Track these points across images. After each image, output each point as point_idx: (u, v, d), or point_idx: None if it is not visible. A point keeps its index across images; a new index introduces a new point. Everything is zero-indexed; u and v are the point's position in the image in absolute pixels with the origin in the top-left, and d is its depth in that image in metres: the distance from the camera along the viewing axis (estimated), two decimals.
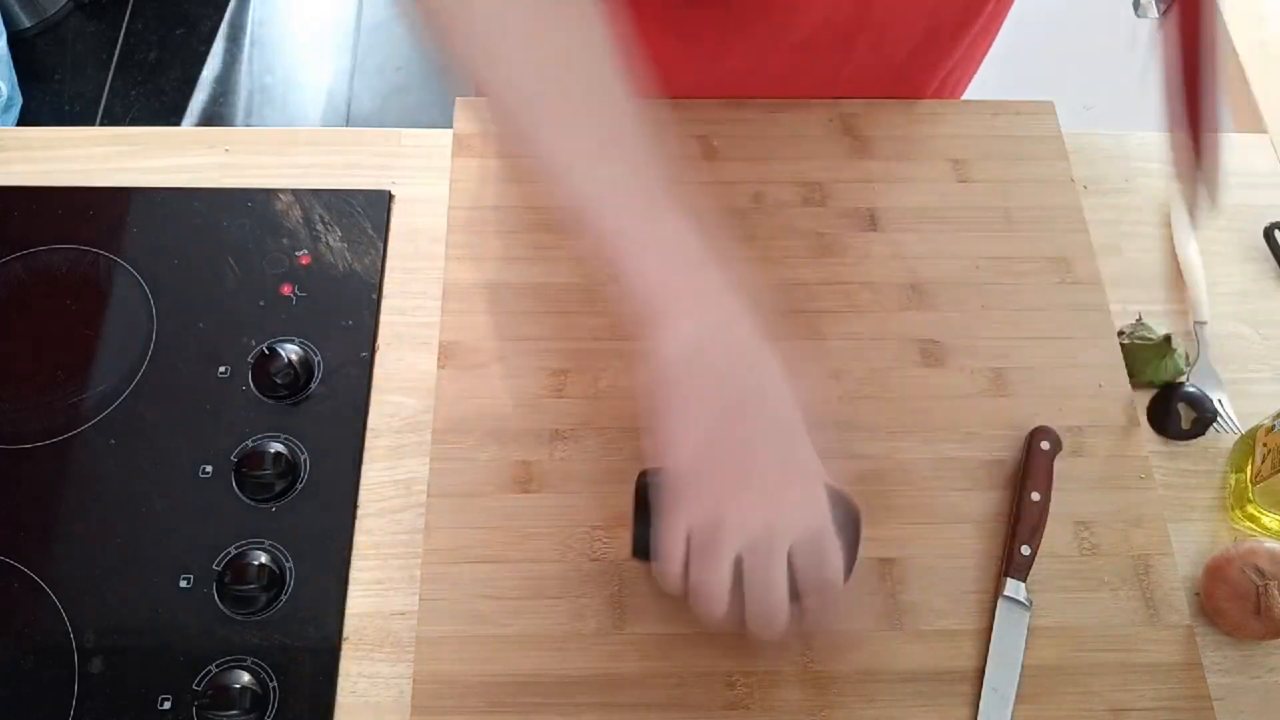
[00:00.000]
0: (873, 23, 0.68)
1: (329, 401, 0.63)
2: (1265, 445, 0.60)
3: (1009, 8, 0.75)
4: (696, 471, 0.45)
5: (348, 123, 1.90)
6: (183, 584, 0.58)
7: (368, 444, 0.62)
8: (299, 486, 0.60)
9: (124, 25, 1.98)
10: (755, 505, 0.44)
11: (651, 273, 0.46)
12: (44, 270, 0.67)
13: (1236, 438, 0.64)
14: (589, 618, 0.57)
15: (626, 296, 0.46)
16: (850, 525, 0.49)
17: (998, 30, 0.78)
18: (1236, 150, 0.76)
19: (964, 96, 0.84)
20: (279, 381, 0.62)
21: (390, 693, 0.56)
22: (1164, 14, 0.57)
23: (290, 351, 0.63)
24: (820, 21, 0.67)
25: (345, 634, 0.57)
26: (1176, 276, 0.70)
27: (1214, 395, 0.65)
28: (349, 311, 0.66)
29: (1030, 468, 0.60)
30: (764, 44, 0.69)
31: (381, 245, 0.68)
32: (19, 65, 1.84)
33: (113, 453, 0.61)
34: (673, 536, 0.46)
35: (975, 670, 0.56)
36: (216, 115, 1.90)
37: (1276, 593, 0.55)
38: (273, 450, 0.60)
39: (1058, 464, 0.61)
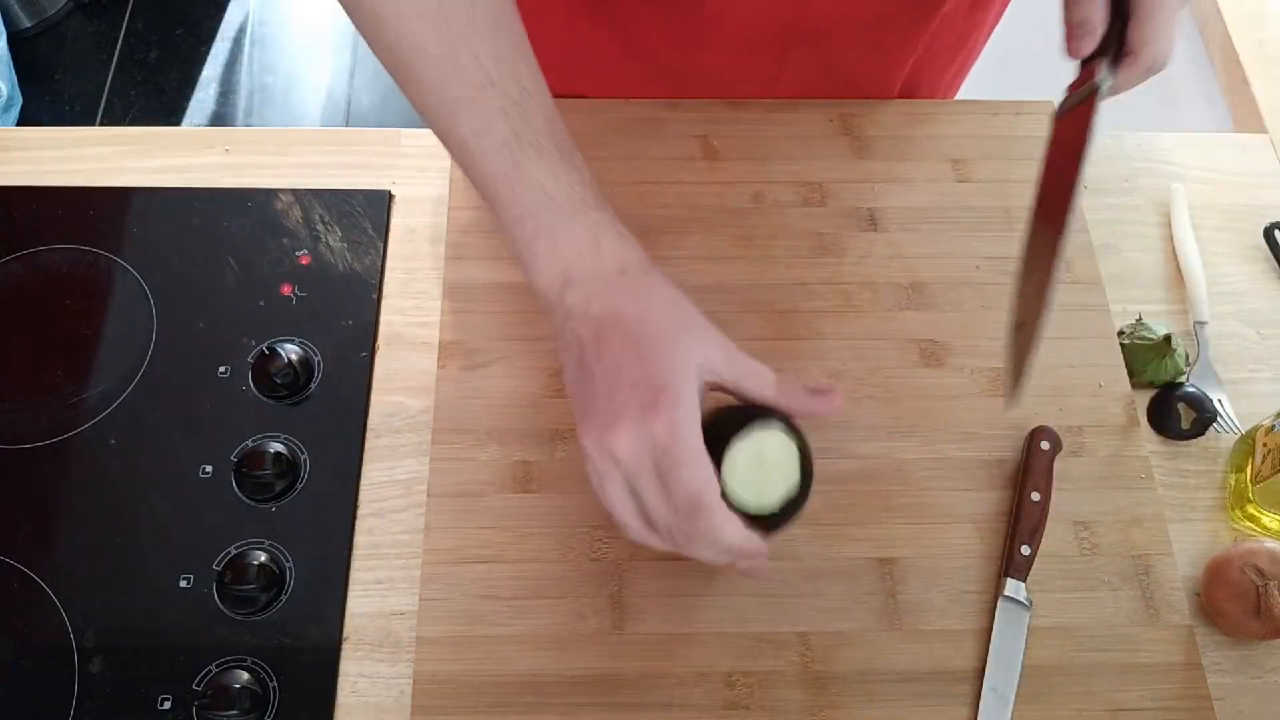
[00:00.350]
0: (809, 24, 0.68)
1: (329, 401, 0.63)
2: (1265, 445, 0.60)
3: (991, 16, 0.74)
4: (576, 410, 0.47)
5: (348, 122, 1.90)
6: (183, 584, 0.58)
7: (368, 444, 0.62)
8: (299, 486, 0.60)
9: (124, 25, 1.99)
10: (604, 432, 0.44)
11: (523, 217, 0.47)
12: (44, 270, 0.67)
13: (1236, 438, 0.64)
14: (589, 618, 0.57)
15: (506, 237, 0.48)
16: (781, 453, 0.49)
17: (979, 37, 0.77)
18: (1236, 150, 0.76)
19: (963, 96, 0.84)
20: (279, 381, 0.62)
21: (390, 693, 0.56)
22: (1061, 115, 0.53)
23: (290, 351, 0.63)
24: (753, 18, 0.67)
25: (345, 634, 0.57)
26: (1176, 276, 0.70)
27: (1214, 395, 0.65)
28: (349, 311, 0.66)
29: (1030, 468, 0.60)
30: (700, 41, 0.69)
31: (381, 245, 0.68)
32: (19, 65, 1.84)
33: (113, 453, 0.61)
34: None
35: (975, 670, 0.56)
36: (216, 115, 1.90)
37: (1276, 593, 0.55)
38: (273, 450, 0.60)
39: (1058, 464, 0.61)
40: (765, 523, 0.49)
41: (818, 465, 0.50)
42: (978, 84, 0.84)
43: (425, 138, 0.73)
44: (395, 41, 0.47)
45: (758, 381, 0.48)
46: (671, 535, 0.45)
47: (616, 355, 0.45)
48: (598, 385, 0.45)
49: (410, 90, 0.49)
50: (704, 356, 0.46)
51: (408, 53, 0.47)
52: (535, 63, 0.50)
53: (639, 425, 0.44)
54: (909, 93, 0.77)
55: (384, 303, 0.67)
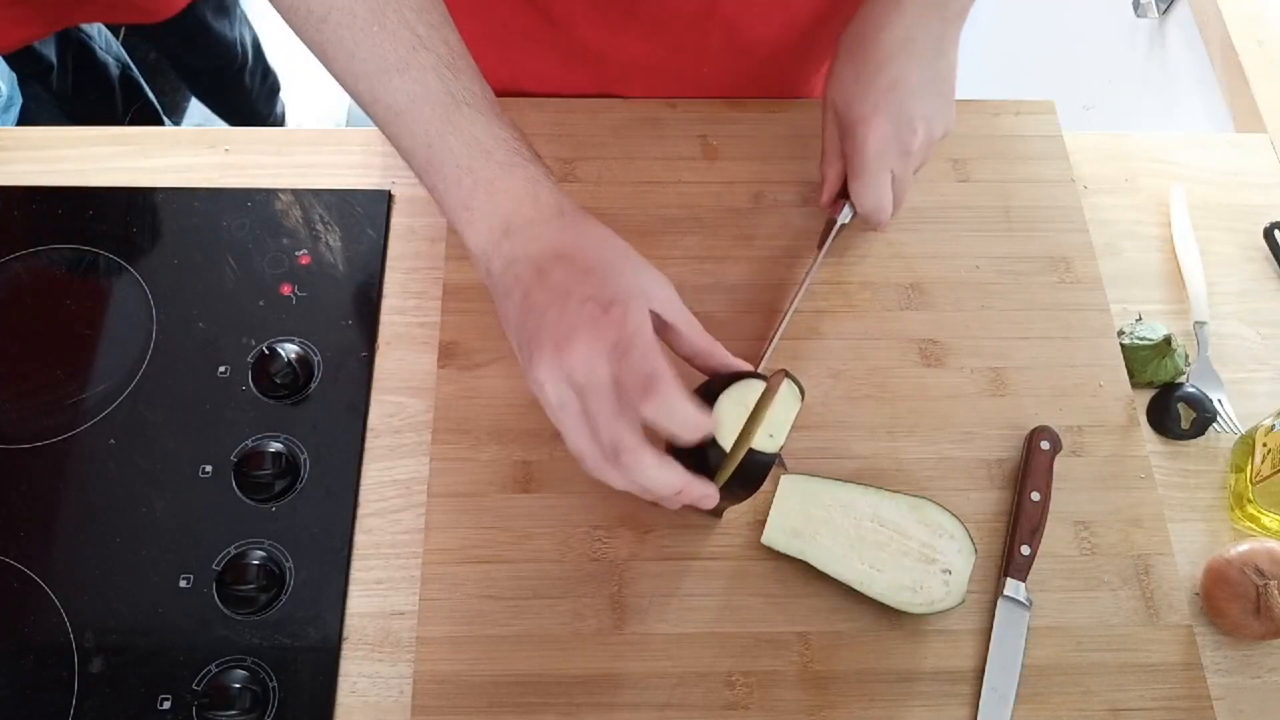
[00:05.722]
0: (723, 14, 0.68)
1: (329, 401, 0.63)
2: (1265, 445, 0.60)
3: None
4: (522, 351, 0.46)
5: (348, 123, 1.90)
6: (183, 584, 0.58)
7: (368, 444, 0.62)
8: (299, 486, 0.60)
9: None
10: (557, 350, 0.44)
11: (460, 175, 0.47)
12: (44, 270, 0.67)
13: (1236, 438, 0.64)
14: (589, 618, 0.57)
15: (440, 201, 0.48)
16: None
17: None
18: (1236, 150, 0.76)
19: (963, 96, 0.83)
20: (279, 381, 0.62)
21: (390, 693, 0.56)
22: None
23: (290, 351, 0.63)
24: (670, 7, 0.67)
25: (345, 634, 0.57)
26: (1176, 276, 0.70)
27: (1214, 395, 0.65)
28: (349, 311, 0.66)
29: (1030, 468, 0.60)
30: (620, 28, 0.69)
31: (381, 245, 0.68)
32: None
33: (113, 453, 0.61)
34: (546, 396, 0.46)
35: (975, 670, 0.56)
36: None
37: (1276, 593, 0.55)
38: (273, 450, 0.60)
39: (1058, 464, 0.61)
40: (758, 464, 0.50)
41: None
42: (978, 84, 0.84)
43: None
44: (326, 12, 0.48)
45: (694, 327, 0.49)
46: (620, 442, 0.44)
47: (562, 279, 0.45)
48: (544, 312, 0.45)
49: (340, 62, 0.49)
50: (650, 284, 0.47)
51: (337, 23, 0.48)
52: (455, 26, 0.50)
53: (593, 334, 0.43)
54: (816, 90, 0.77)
55: (384, 303, 0.67)
